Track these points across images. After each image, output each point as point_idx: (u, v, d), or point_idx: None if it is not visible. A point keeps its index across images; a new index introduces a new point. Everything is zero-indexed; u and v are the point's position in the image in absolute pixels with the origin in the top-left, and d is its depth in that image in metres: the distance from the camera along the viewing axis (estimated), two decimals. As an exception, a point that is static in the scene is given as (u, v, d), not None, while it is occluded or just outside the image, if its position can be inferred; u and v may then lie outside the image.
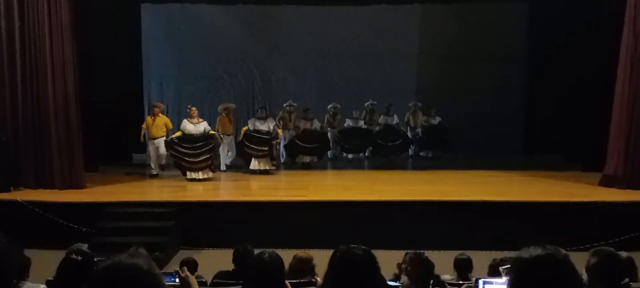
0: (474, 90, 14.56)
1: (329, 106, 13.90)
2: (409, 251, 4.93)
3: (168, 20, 15.40)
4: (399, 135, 13.80)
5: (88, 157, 10.55)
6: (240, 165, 12.21)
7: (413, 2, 14.92)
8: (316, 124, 13.02)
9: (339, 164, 13.77)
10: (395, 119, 13.98)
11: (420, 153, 14.50)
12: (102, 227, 8.65)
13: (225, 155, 12.25)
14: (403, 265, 4.80)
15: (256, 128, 11.73)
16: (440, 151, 14.25)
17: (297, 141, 12.80)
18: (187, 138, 10.86)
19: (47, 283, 3.95)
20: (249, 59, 15.61)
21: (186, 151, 10.78)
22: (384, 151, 13.77)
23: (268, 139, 11.66)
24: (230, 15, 15.18)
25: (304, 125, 12.93)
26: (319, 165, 13.07)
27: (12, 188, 9.65)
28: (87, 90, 10.52)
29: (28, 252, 5.13)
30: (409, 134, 14.23)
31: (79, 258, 3.47)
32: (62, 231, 8.38)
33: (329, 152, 13.85)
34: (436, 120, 14.25)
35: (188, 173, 10.85)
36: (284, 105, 13.38)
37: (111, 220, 8.83)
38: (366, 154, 14.11)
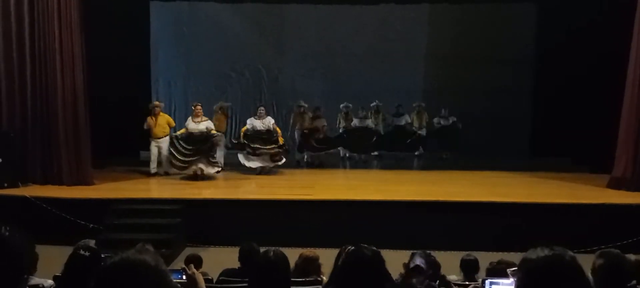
0: (482, 91, 14.49)
1: (342, 106, 13.83)
2: (415, 251, 4.92)
3: (176, 18, 15.41)
4: (408, 136, 13.79)
5: (95, 153, 10.59)
6: (239, 164, 12.18)
7: (421, 2, 14.90)
8: (324, 122, 13.03)
9: (346, 163, 13.77)
10: (405, 119, 13.96)
11: (441, 154, 14.44)
12: (109, 223, 8.71)
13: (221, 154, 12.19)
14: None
15: (254, 127, 11.66)
16: (448, 151, 14.22)
17: (314, 141, 12.78)
18: (188, 137, 10.86)
19: (55, 278, 3.97)
20: (256, 57, 15.59)
21: (182, 150, 10.78)
22: (393, 151, 13.76)
23: (268, 139, 11.61)
24: (238, 14, 15.19)
25: (313, 123, 12.91)
26: (326, 164, 13.08)
27: (20, 184, 9.71)
28: (95, 87, 10.56)
29: (35, 248, 5.15)
30: None
31: (87, 254, 3.48)
32: (69, 227, 8.44)
33: (340, 151, 13.86)
34: (450, 120, 14.16)
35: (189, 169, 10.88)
36: (299, 104, 13.28)
37: (118, 217, 8.87)
38: (375, 153, 14.10)
